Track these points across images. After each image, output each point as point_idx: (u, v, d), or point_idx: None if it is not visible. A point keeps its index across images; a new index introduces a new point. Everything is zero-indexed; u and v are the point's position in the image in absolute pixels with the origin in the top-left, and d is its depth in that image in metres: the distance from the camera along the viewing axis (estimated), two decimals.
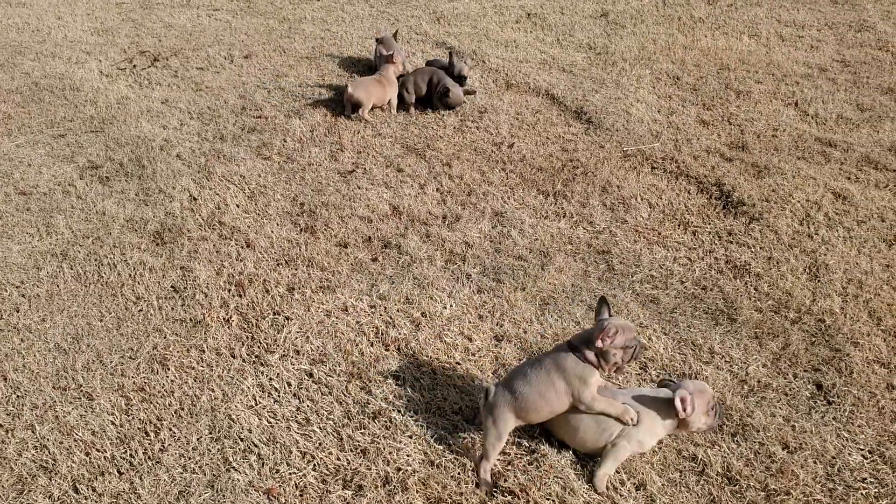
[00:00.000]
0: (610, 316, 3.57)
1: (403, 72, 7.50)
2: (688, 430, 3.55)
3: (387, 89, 7.23)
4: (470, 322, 4.54)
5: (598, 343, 3.41)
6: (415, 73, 7.43)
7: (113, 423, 3.82)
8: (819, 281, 4.88)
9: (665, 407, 3.52)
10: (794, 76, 8.08)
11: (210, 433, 3.77)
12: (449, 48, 8.60)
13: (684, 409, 3.42)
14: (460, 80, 7.37)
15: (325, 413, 3.90)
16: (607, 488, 3.49)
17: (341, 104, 7.38)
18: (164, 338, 4.39)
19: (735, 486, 3.51)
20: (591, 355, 3.48)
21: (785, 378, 4.13)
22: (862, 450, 3.70)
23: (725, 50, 8.83)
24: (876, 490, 3.49)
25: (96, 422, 3.82)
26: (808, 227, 5.41)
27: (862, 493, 3.46)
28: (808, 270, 4.98)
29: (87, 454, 3.65)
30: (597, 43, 9.08)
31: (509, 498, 3.44)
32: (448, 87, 7.16)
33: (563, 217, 5.63)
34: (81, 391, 4.01)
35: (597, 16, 10.05)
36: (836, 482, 3.53)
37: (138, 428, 3.80)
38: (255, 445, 3.70)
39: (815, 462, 3.62)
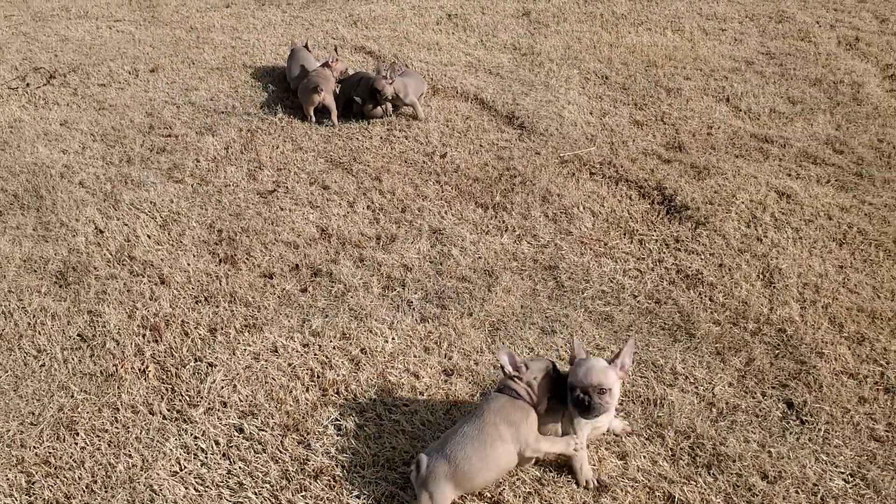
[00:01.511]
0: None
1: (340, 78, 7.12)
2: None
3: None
4: (415, 356, 4.16)
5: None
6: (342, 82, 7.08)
7: None
8: (774, 287, 4.67)
9: None
10: (722, 70, 7.95)
11: None
12: (376, 65, 8.19)
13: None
14: (374, 95, 6.73)
15: (260, 475, 3.46)
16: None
17: (258, 117, 6.90)
18: (72, 397, 3.88)
19: None
20: (521, 391, 3.22)
21: (753, 397, 3.88)
22: (843, 473, 3.47)
23: (651, 46, 8.66)
24: None
25: None
26: (756, 230, 5.21)
27: None
28: (761, 276, 4.77)
29: None
30: (521, 43, 8.79)
31: None
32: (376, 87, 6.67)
33: (506, 231, 5.30)
34: None
35: (518, 15, 9.78)
36: None
37: None
38: None
39: (797, 492, 3.37)
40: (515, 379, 3.34)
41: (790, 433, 3.68)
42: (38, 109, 7.17)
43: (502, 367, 3.36)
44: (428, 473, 3.14)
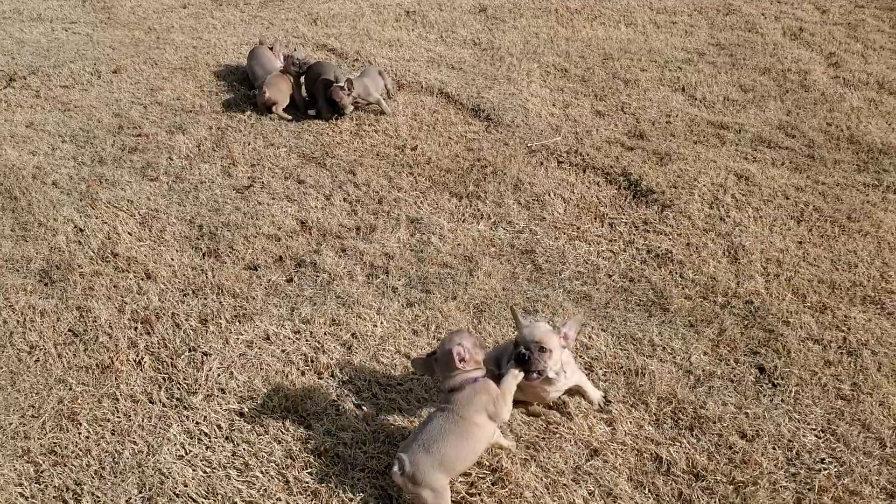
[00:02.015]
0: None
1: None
2: None
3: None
4: (405, 339, 4.31)
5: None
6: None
7: (23, 496, 3.37)
8: (739, 263, 4.93)
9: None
10: (676, 62, 8.24)
11: (140, 493, 3.38)
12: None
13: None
14: (333, 104, 6.83)
15: (265, 455, 3.58)
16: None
17: (227, 115, 6.96)
18: (70, 389, 3.94)
19: (703, 481, 3.44)
20: (477, 374, 3.41)
21: (727, 364, 4.12)
22: (814, 430, 3.72)
23: (606, 40, 8.92)
24: (836, 469, 3.51)
25: (2, 497, 3.35)
26: (719, 210, 5.47)
27: (824, 475, 3.47)
28: (727, 253, 5.03)
29: None
30: (480, 38, 8.98)
31: None
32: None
33: (481, 219, 5.47)
34: None
35: (476, 11, 9.96)
36: (798, 466, 3.52)
37: (54, 497, 3.36)
38: (194, 501, 3.35)
39: (774, 448, 3.60)
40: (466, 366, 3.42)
41: (764, 395, 3.92)
42: (0, 112, 7.11)
43: (455, 361, 3.38)
44: (416, 469, 3.18)
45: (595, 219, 5.47)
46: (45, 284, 4.75)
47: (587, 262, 4.98)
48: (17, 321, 4.42)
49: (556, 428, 3.69)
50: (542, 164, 6.22)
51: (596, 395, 3.74)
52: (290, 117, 6.90)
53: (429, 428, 3.30)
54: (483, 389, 3.35)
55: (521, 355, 3.42)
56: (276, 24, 9.45)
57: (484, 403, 3.33)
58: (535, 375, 3.43)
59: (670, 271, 4.86)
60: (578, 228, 5.36)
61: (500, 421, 3.36)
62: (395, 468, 3.20)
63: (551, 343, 3.43)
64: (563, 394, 3.71)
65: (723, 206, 5.51)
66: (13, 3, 10.30)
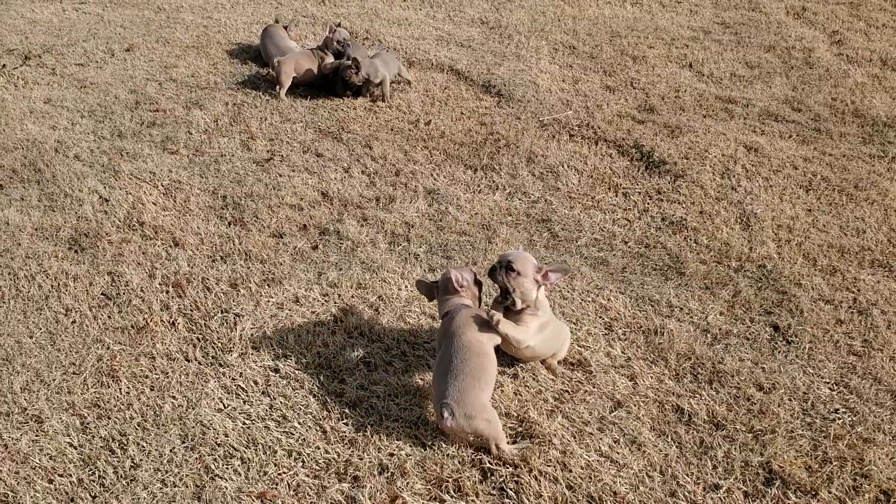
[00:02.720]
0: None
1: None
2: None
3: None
4: (429, 302, 4.43)
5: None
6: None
7: (72, 445, 3.49)
8: (752, 230, 5.07)
9: None
10: (683, 39, 8.37)
11: (183, 443, 3.51)
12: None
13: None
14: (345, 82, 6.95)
15: (302, 408, 3.71)
16: None
17: (242, 91, 7.07)
18: (108, 348, 4.06)
19: (723, 430, 3.59)
20: (470, 300, 3.77)
21: (743, 324, 4.26)
22: (828, 383, 3.87)
23: (613, 18, 9.04)
24: (850, 418, 3.66)
25: (52, 445, 3.48)
26: (730, 180, 5.61)
27: (838, 423, 3.62)
28: (739, 220, 5.17)
29: (51, 481, 3.33)
30: (488, 17, 9.09)
31: (511, 470, 3.38)
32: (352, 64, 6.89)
33: (497, 190, 5.60)
34: (27, 415, 3.65)
35: None
36: (813, 416, 3.67)
37: (101, 447, 3.49)
38: (236, 450, 3.48)
39: (790, 399, 3.75)
40: (462, 293, 3.75)
41: (779, 352, 4.07)
42: (18, 89, 7.20)
43: (454, 284, 3.72)
44: (464, 408, 3.34)
45: (609, 189, 5.61)
46: (76, 252, 4.87)
47: (603, 230, 5.12)
48: (52, 286, 4.54)
49: (579, 384, 3.83)
50: (554, 137, 6.35)
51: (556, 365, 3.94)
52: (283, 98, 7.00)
53: (449, 367, 3.45)
54: (473, 311, 3.66)
55: (492, 269, 3.73)
56: (285, 3, 9.54)
57: (474, 320, 3.61)
58: (500, 299, 3.70)
59: (685, 237, 5.00)
60: (593, 198, 5.49)
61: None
62: (446, 416, 3.34)
63: (524, 268, 3.65)
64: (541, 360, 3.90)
65: (734, 176, 5.65)
66: None
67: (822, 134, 6.30)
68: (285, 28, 7.79)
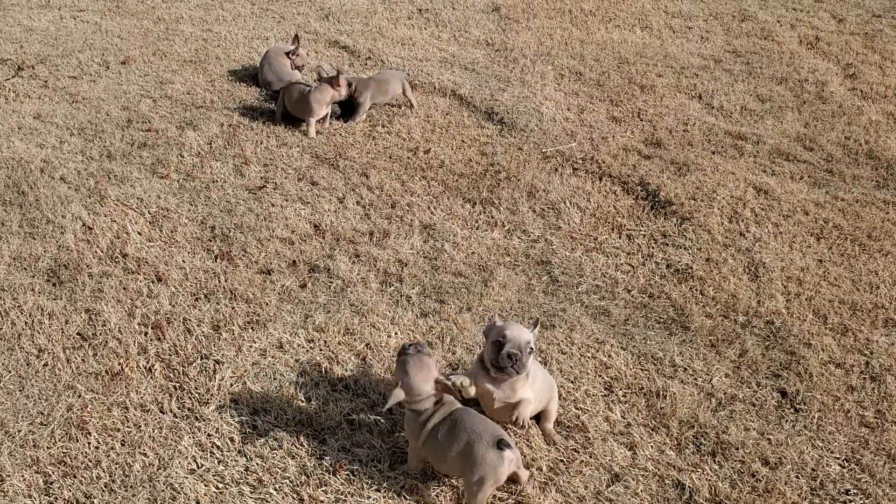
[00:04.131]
0: None
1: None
2: None
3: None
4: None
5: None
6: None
7: None
8: (760, 280, 4.86)
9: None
10: (692, 68, 8.16)
11: None
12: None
13: None
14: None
15: (279, 471, 3.50)
16: None
17: (239, 111, 6.87)
18: (79, 396, 3.85)
19: None
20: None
21: (749, 387, 4.05)
22: (838, 458, 3.66)
23: (621, 43, 8.83)
24: (862, 501, 3.44)
25: None
26: (739, 225, 5.40)
27: None
28: (747, 270, 4.96)
29: None
30: (494, 39, 8.89)
31: None
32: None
33: (496, 226, 5.39)
34: None
35: (489, 10, 9.86)
36: (822, 497, 3.46)
37: None
38: None
39: (797, 477, 3.54)
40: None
41: (786, 421, 3.85)
42: (9, 102, 7.01)
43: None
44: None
45: (612, 230, 5.40)
46: (54, 285, 4.66)
47: (605, 276, 4.91)
48: (26, 322, 4.34)
49: (575, 453, 3.62)
50: (556, 170, 6.14)
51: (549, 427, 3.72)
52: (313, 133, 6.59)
53: (470, 429, 3.23)
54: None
55: (511, 355, 3.38)
56: (288, 17, 9.35)
57: None
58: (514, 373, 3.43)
59: (690, 287, 4.78)
60: (595, 239, 5.28)
61: None
62: (507, 453, 3.16)
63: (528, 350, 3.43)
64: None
65: (742, 221, 5.43)
66: None
67: (835, 176, 6.09)
68: (288, 55, 7.44)
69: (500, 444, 3.15)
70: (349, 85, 6.61)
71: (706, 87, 7.64)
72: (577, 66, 8.13)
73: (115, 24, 9.01)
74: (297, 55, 7.40)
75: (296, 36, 7.63)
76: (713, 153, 6.41)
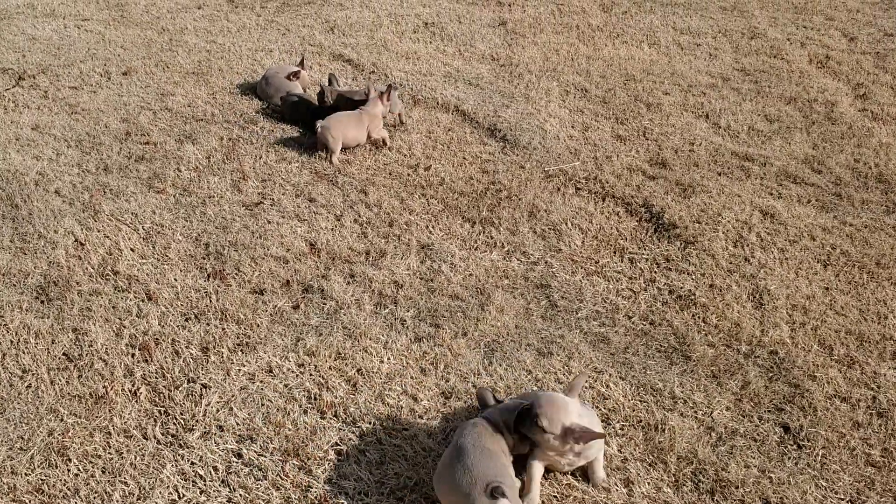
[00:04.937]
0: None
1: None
2: None
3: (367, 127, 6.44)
4: (412, 378, 4.12)
5: None
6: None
7: None
8: (764, 309, 4.73)
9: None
10: (700, 86, 8.05)
11: None
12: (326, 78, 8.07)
13: None
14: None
15: (262, 503, 3.39)
16: None
17: (238, 125, 6.80)
18: (62, 420, 3.76)
19: None
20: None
21: (751, 422, 3.92)
22: (843, 499, 3.52)
23: (628, 60, 8.73)
24: None
25: None
26: (744, 250, 5.27)
27: None
28: (751, 298, 4.83)
29: None
30: (499, 53, 8.80)
31: None
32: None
33: (495, 248, 5.28)
34: None
35: (495, 24, 9.78)
36: None
37: None
38: None
39: None
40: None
41: (788, 458, 3.72)
42: (7, 113, 6.95)
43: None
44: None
45: (614, 253, 5.28)
46: (42, 302, 4.58)
47: (605, 301, 4.79)
48: (11, 342, 4.25)
49: (570, 488, 3.50)
50: (559, 189, 6.04)
51: (600, 475, 3.57)
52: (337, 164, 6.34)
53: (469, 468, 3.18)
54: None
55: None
56: (293, 30, 9.28)
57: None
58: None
59: (693, 315, 4.66)
60: (597, 263, 5.16)
61: None
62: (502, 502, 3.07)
63: (552, 424, 3.34)
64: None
65: (747, 246, 5.31)
66: None
67: (843, 200, 5.96)
68: (289, 76, 7.33)
69: (494, 493, 3.04)
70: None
71: (713, 106, 7.53)
72: (582, 82, 8.03)
73: (119, 34, 8.96)
74: (299, 77, 7.32)
75: (302, 60, 7.58)
76: (719, 174, 6.29)
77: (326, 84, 6.77)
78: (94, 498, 3.38)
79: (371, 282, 4.88)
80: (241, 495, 3.42)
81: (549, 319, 4.64)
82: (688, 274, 5.03)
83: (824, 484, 3.59)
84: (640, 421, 3.88)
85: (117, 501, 3.36)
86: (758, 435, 3.84)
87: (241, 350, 4.27)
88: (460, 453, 3.22)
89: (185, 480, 3.50)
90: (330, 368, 4.16)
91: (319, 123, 6.20)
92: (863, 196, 6.02)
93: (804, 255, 5.24)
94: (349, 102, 6.55)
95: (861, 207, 5.87)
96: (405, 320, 4.56)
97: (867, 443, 3.81)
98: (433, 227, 5.50)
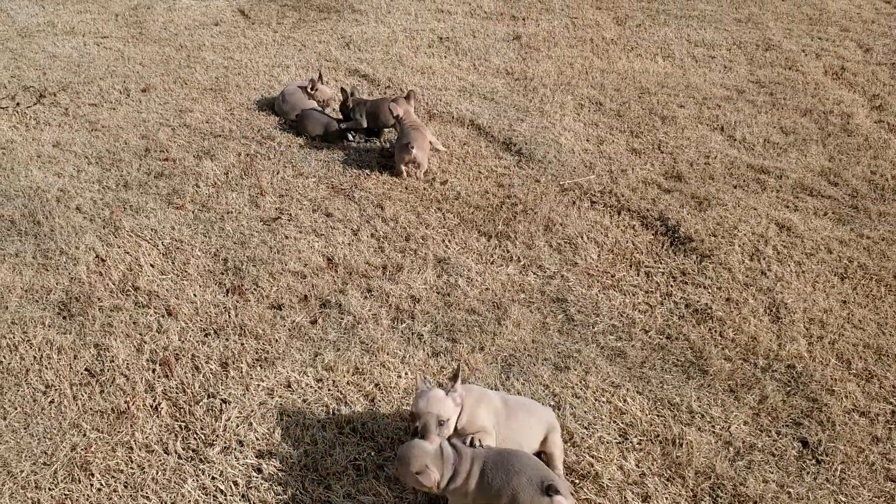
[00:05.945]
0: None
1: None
2: None
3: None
4: None
5: None
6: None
7: None
8: (781, 322, 4.72)
9: None
10: (715, 99, 8.05)
11: None
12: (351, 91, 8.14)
13: None
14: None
15: None
16: None
17: (256, 141, 6.87)
18: (84, 435, 3.81)
19: None
20: None
21: (769, 436, 3.91)
22: None
23: (643, 73, 8.75)
24: None
25: None
26: (760, 263, 5.27)
27: None
28: (768, 311, 4.82)
29: None
30: (514, 67, 8.84)
31: None
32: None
33: (511, 261, 5.31)
34: None
35: (509, 39, 9.83)
36: None
37: None
38: None
39: None
40: None
41: (807, 473, 3.71)
42: (29, 130, 7.06)
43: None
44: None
45: (630, 266, 5.29)
46: (64, 318, 4.64)
47: (622, 315, 4.80)
48: (34, 357, 4.31)
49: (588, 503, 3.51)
50: (574, 203, 6.05)
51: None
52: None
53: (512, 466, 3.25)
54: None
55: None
56: (309, 46, 9.37)
57: None
58: None
59: (710, 329, 4.66)
60: (613, 276, 5.18)
61: None
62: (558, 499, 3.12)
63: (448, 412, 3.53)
64: None
65: (764, 259, 5.30)
66: (47, 16, 10.32)
67: (860, 212, 5.94)
68: (306, 90, 7.41)
69: (549, 490, 3.08)
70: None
71: (728, 119, 7.53)
72: (597, 95, 8.06)
73: (138, 52, 9.08)
74: (317, 90, 7.40)
75: (319, 74, 7.65)
76: (735, 187, 6.29)
77: (349, 93, 6.98)
78: None
79: (388, 296, 4.91)
80: None
81: (566, 334, 4.66)
82: (704, 288, 5.03)
83: (843, 499, 3.58)
84: (658, 435, 3.88)
85: None
86: (776, 449, 3.84)
87: (260, 365, 4.31)
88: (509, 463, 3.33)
89: (206, 495, 3.53)
90: (348, 383, 4.19)
91: (410, 144, 6.19)
92: (880, 208, 6.00)
93: (821, 269, 5.23)
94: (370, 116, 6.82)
95: (878, 220, 5.86)
96: (422, 335, 4.59)
97: (886, 457, 3.80)
98: (449, 242, 5.53)
